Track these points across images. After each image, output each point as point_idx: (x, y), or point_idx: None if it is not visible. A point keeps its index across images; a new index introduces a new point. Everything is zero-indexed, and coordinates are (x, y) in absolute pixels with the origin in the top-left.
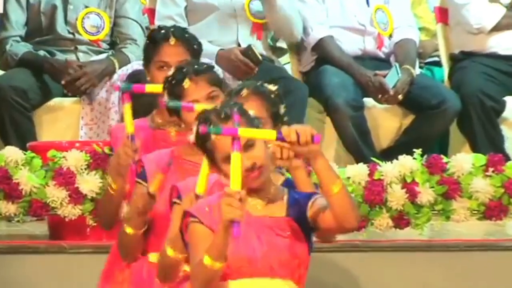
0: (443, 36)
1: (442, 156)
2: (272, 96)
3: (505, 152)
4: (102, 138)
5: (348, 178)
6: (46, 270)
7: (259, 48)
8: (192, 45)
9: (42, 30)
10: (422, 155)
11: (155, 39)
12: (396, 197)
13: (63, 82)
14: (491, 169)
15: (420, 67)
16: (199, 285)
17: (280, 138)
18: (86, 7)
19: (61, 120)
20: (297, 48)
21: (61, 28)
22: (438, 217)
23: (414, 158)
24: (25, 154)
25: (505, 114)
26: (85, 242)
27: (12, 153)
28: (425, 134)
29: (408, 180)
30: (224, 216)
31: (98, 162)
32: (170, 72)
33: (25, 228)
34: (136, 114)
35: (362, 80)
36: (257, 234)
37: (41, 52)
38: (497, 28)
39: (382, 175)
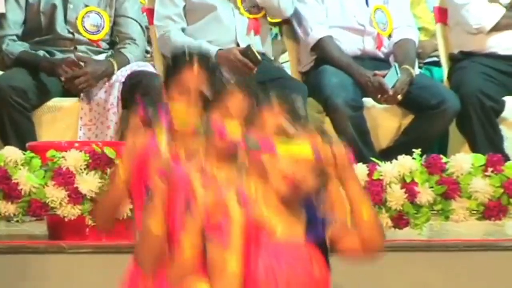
0: (443, 36)
1: (441, 156)
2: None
3: (504, 152)
4: (100, 139)
5: None
6: (45, 270)
7: (258, 45)
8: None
9: (41, 30)
10: (421, 155)
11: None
12: (395, 197)
13: (63, 78)
14: (490, 169)
15: (420, 67)
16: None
17: (318, 159)
18: (86, 6)
19: (61, 120)
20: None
21: (61, 28)
22: (437, 217)
23: (413, 158)
24: (24, 154)
25: (504, 114)
26: (84, 242)
27: (12, 153)
28: (425, 134)
29: (408, 180)
30: None
31: (97, 162)
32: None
33: (24, 228)
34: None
35: (361, 80)
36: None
37: (41, 52)
38: (497, 28)
39: (381, 175)
